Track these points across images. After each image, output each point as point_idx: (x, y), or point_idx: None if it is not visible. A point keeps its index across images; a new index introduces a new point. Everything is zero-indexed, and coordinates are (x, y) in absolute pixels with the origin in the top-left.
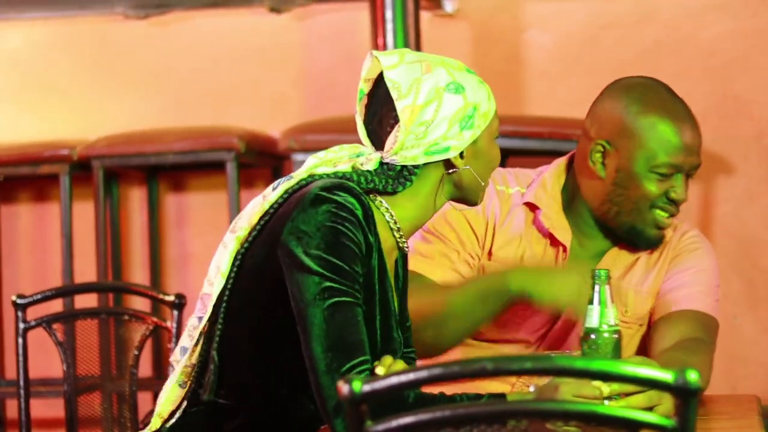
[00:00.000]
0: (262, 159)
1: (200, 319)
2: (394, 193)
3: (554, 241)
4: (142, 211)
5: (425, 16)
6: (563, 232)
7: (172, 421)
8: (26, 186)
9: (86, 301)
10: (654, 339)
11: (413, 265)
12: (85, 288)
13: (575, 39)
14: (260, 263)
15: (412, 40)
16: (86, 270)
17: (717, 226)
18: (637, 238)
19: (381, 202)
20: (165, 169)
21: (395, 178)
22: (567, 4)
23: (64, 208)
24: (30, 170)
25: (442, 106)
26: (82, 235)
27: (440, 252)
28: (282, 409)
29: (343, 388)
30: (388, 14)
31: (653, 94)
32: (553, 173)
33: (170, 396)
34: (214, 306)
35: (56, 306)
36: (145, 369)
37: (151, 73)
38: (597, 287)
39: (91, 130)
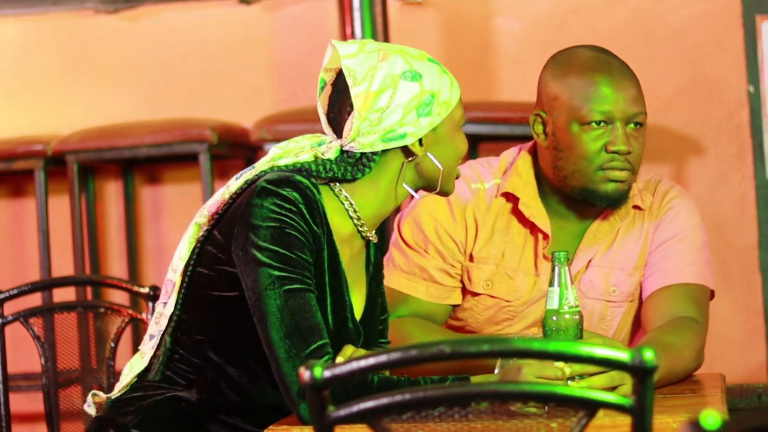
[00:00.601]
0: (235, 150)
1: (165, 305)
2: (353, 180)
3: (534, 229)
4: (119, 204)
5: (394, 4)
6: (542, 219)
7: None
8: (1, 182)
9: (66, 294)
10: (644, 319)
11: (395, 282)
12: (61, 282)
13: (544, 25)
14: (217, 251)
15: (380, 28)
16: (64, 264)
17: None
18: (593, 198)
19: (340, 190)
20: (140, 162)
21: (354, 165)
22: None
23: (39, 203)
24: (4, 166)
25: (396, 93)
26: (58, 230)
27: (419, 266)
28: (244, 393)
29: (305, 374)
30: (356, 3)
31: (576, 56)
32: (525, 160)
33: (125, 380)
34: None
35: (36, 301)
36: (123, 361)
37: (123, 67)
38: (557, 269)
39: (65, 125)
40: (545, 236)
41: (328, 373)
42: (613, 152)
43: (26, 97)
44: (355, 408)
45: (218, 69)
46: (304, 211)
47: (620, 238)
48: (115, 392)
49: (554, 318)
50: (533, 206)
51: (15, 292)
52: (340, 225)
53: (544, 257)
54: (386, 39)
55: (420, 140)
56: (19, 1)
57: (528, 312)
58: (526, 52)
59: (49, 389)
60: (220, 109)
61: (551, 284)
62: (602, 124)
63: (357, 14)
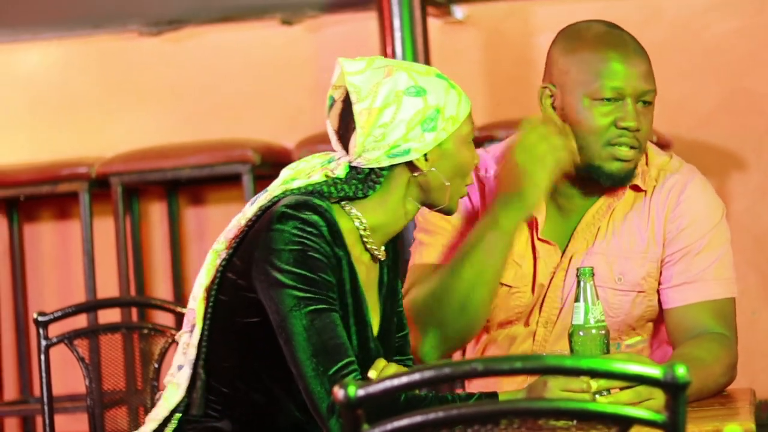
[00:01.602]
0: (277, 170)
1: (190, 334)
2: (365, 197)
3: None
4: (163, 225)
5: (435, 23)
6: None
7: None
8: (47, 204)
9: (111, 316)
10: (671, 336)
11: (417, 257)
12: (105, 303)
13: None
14: (237, 278)
15: (421, 47)
16: (109, 285)
17: (732, 222)
18: (599, 176)
19: (351, 209)
20: (183, 183)
21: (363, 181)
22: (575, 7)
23: (84, 225)
24: (49, 189)
25: (400, 109)
26: (103, 252)
27: (442, 244)
28: (269, 417)
29: (339, 393)
30: (396, 23)
31: (587, 30)
32: None
33: (161, 412)
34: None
35: (82, 323)
36: None
37: (165, 89)
38: (582, 284)
39: (109, 147)
40: (535, 223)
41: (362, 392)
42: (623, 128)
43: (70, 119)
44: (389, 426)
45: (261, 89)
46: (326, 233)
47: (623, 225)
48: (153, 425)
49: (581, 333)
50: None
51: (59, 314)
52: (352, 244)
53: (540, 240)
54: (427, 57)
55: (425, 155)
56: (62, 24)
57: (539, 305)
58: None
59: (93, 410)
60: (263, 129)
61: (577, 299)
62: (613, 100)
63: (398, 34)
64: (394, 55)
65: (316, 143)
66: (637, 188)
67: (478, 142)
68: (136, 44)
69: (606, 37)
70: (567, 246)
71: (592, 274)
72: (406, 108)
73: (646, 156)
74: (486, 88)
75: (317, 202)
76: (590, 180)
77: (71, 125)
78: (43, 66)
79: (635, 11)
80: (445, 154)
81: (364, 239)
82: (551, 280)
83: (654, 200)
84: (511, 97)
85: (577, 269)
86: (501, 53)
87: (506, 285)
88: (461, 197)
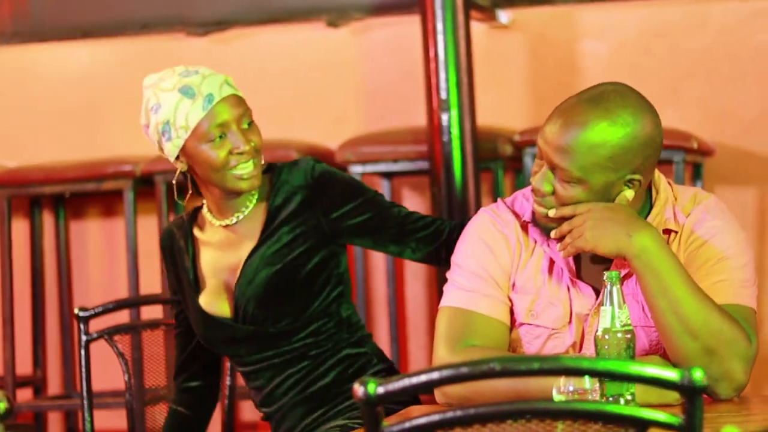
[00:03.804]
0: None
1: None
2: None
3: (551, 260)
4: None
5: (480, 27)
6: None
7: None
8: (92, 202)
9: (153, 313)
10: None
11: (455, 300)
12: (145, 300)
13: (629, 47)
14: None
15: (463, 51)
16: (153, 282)
17: None
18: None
19: (202, 200)
20: None
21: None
22: (620, 14)
23: (128, 223)
24: (94, 186)
25: (150, 125)
26: (147, 249)
27: (482, 293)
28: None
29: (358, 390)
30: (439, 26)
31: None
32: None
33: None
34: None
35: (125, 319)
36: None
37: None
38: (609, 288)
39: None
40: (569, 263)
41: (381, 390)
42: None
43: (116, 118)
44: (407, 424)
45: (305, 91)
46: (163, 246)
47: None
48: None
49: (606, 336)
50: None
51: (100, 309)
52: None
53: (575, 281)
54: (470, 61)
55: (178, 157)
56: (110, 24)
57: (577, 346)
58: (612, 75)
59: (132, 406)
60: (307, 130)
61: (603, 303)
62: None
63: (440, 37)
64: (437, 59)
65: (360, 145)
66: (669, 231)
67: (519, 147)
68: (183, 45)
69: (561, 105)
70: (601, 289)
71: (620, 278)
72: (152, 123)
73: (675, 196)
74: (530, 93)
75: (173, 222)
76: None
77: (117, 124)
78: (92, 65)
79: (681, 18)
80: (189, 155)
81: (209, 219)
82: (587, 321)
83: (679, 237)
84: (555, 101)
85: (604, 273)
86: (545, 58)
87: (544, 327)
88: (243, 180)
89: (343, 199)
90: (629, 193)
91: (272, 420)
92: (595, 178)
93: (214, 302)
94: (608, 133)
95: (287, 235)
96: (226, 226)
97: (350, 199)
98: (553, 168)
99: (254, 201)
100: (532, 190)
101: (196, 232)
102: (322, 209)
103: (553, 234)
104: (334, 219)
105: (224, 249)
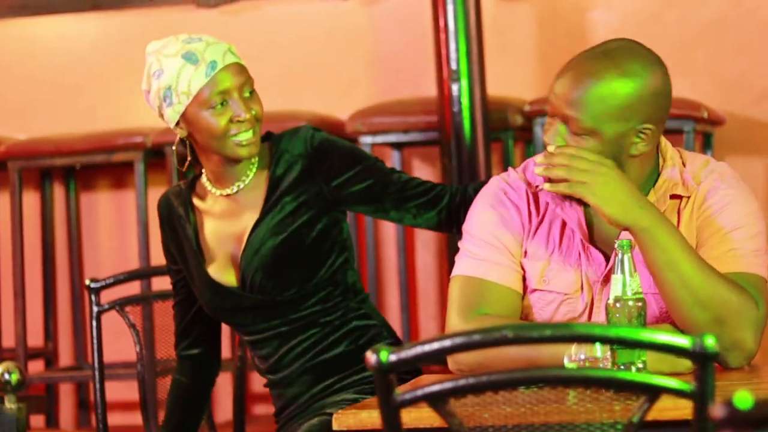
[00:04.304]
0: None
1: None
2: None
3: (563, 227)
4: None
5: None
6: (573, 213)
7: None
8: (103, 173)
9: (164, 284)
10: None
11: (467, 269)
12: (155, 271)
13: (639, 16)
14: None
15: (473, 21)
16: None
17: None
18: None
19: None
20: None
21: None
22: None
23: (139, 194)
24: (105, 158)
25: (152, 90)
26: (158, 220)
27: (496, 262)
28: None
29: (371, 358)
30: None
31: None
32: None
33: None
34: None
35: (136, 290)
36: (223, 350)
37: None
38: (620, 256)
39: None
40: (582, 227)
41: (393, 357)
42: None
43: (126, 89)
44: (420, 392)
45: (315, 62)
46: (162, 215)
47: None
48: None
49: (617, 304)
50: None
51: (111, 281)
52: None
53: (587, 247)
54: (479, 31)
55: (178, 123)
56: None
57: (587, 311)
58: None
59: (143, 377)
60: (317, 101)
61: (615, 271)
62: (549, 116)
63: (450, 7)
64: (446, 29)
65: (370, 115)
66: (678, 197)
67: (530, 117)
68: (193, 16)
69: (571, 60)
70: (611, 255)
71: (631, 246)
72: (153, 89)
73: (683, 162)
74: (539, 63)
75: (170, 190)
76: None
77: (127, 95)
78: (102, 37)
79: None
80: (189, 121)
81: (209, 189)
82: (598, 287)
83: (692, 203)
84: None
85: (616, 241)
86: (555, 28)
87: (556, 292)
88: (242, 147)
89: (343, 166)
90: (641, 145)
91: (277, 387)
92: (607, 129)
93: (220, 271)
94: (619, 83)
95: (290, 204)
96: (227, 195)
97: (351, 166)
98: (565, 120)
99: (254, 170)
100: (544, 146)
101: (195, 201)
102: (323, 177)
103: (540, 171)
104: (335, 186)
105: (226, 218)
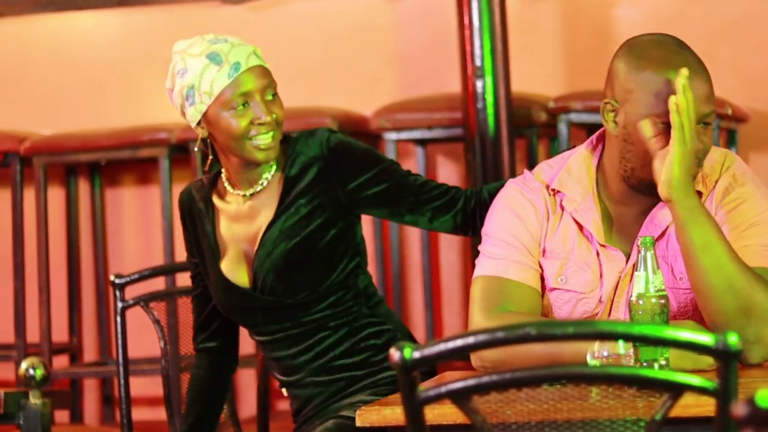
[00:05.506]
0: (355, 138)
1: None
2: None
3: (580, 226)
4: None
5: None
6: (588, 213)
7: None
8: (128, 169)
9: (189, 279)
10: None
11: (489, 269)
12: (180, 267)
13: (663, 13)
14: None
15: (498, 18)
16: None
17: None
18: (651, 191)
19: (221, 168)
20: None
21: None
22: None
23: (164, 190)
24: (130, 154)
25: (175, 89)
26: None
27: (515, 260)
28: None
29: (395, 355)
30: None
31: (654, 49)
32: (578, 156)
33: None
34: None
35: (161, 286)
36: (247, 346)
37: None
38: (643, 253)
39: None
40: (590, 235)
41: (417, 354)
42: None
43: (152, 85)
44: (444, 389)
45: (340, 58)
46: (182, 209)
47: None
48: None
49: (640, 302)
50: (579, 202)
51: (136, 276)
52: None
53: (603, 246)
54: (504, 27)
55: (199, 122)
56: None
57: (606, 310)
58: None
59: (168, 372)
60: (341, 97)
61: (637, 268)
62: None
63: (475, 4)
64: (471, 26)
65: (393, 111)
66: (699, 193)
67: (554, 114)
68: (218, 12)
69: (672, 59)
70: (630, 253)
71: (653, 244)
72: (177, 87)
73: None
74: (564, 60)
75: (193, 183)
76: (649, 190)
77: (153, 91)
78: (127, 33)
79: None
80: (210, 122)
81: (229, 189)
82: (617, 285)
83: (712, 200)
84: (589, 68)
85: (638, 238)
86: (580, 24)
87: (574, 291)
88: (260, 150)
89: (359, 169)
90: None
91: (291, 389)
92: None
93: (234, 270)
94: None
95: (304, 207)
96: (244, 196)
97: (367, 169)
98: (701, 120)
99: (272, 173)
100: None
101: (215, 198)
102: (339, 180)
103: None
104: (351, 190)
105: (242, 219)
